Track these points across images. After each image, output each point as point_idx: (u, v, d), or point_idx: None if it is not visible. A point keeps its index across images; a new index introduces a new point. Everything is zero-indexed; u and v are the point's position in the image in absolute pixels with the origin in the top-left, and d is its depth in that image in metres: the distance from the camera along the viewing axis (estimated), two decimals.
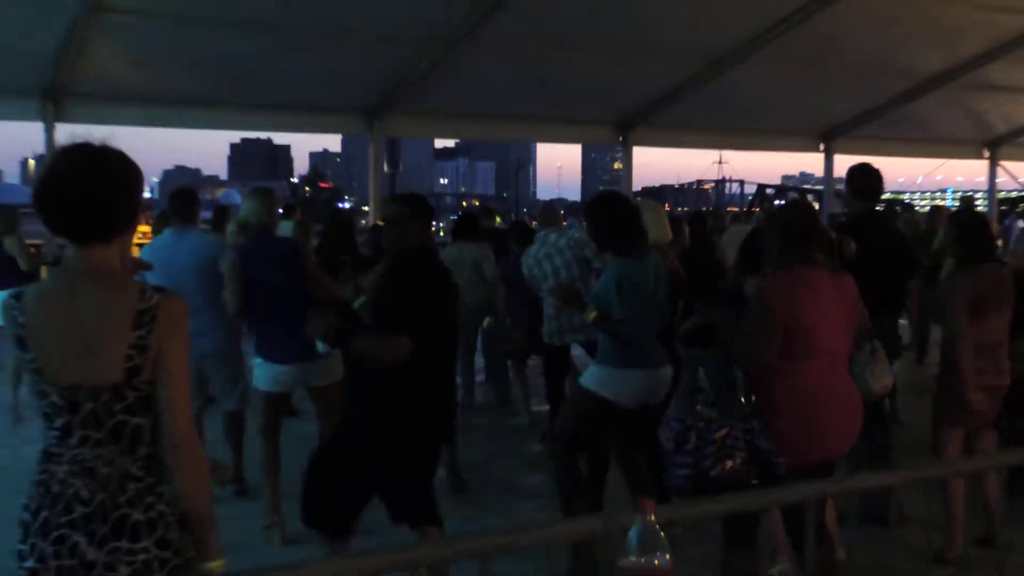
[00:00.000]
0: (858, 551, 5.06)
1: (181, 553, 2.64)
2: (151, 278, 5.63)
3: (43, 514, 2.56)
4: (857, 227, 6.01)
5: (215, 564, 2.66)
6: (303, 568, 2.10)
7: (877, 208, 6.45)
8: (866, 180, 6.20)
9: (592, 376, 5.22)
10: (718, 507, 2.62)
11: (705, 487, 4.01)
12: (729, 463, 3.95)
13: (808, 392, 4.11)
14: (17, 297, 2.60)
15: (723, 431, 4.01)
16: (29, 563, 2.56)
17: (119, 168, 2.63)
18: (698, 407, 4.31)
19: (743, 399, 4.22)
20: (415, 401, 4.48)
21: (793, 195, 45.29)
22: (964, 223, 5.70)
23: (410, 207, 4.72)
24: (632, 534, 1.95)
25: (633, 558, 1.95)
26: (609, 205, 5.39)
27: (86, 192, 2.57)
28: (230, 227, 9.40)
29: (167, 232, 6.89)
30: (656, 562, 1.94)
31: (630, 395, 5.15)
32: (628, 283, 5.07)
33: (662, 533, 1.97)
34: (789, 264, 4.22)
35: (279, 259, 6.13)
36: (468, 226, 9.39)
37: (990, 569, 3.17)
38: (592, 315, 5.09)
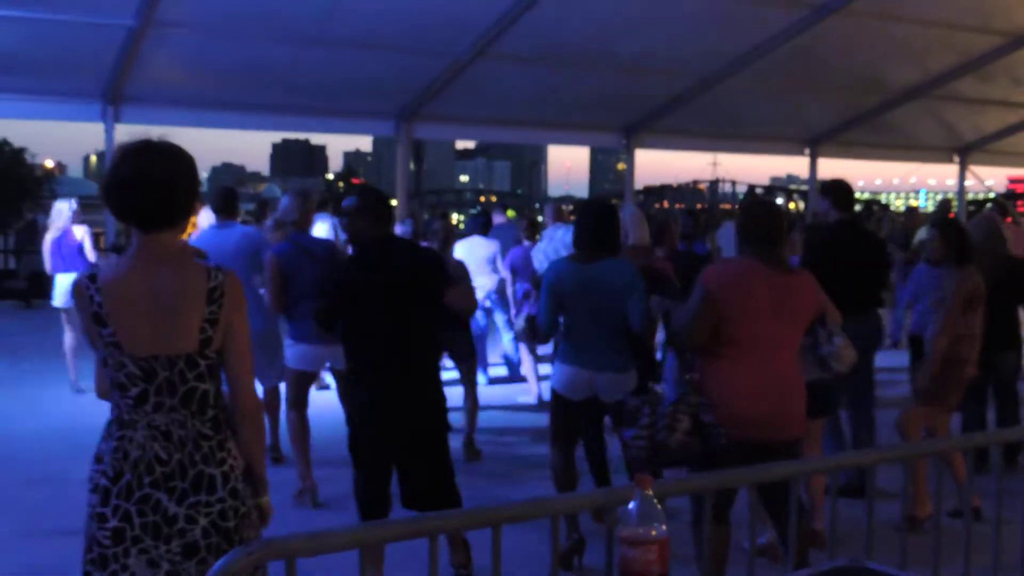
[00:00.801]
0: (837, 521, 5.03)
1: (246, 501, 2.70)
2: None
3: (125, 478, 2.56)
4: (840, 232, 6.18)
5: (266, 500, 2.83)
6: (327, 536, 2.08)
7: (853, 214, 6.60)
8: (843, 194, 6.37)
9: (552, 372, 5.17)
10: (700, 483, 2.59)
11: (659, 458, 3.96)
12: (676, 434, 3.88)
13: (734, 379, 3.97)
14: (92, 279, 2.60)
15: (670, 406, 3.96)
16: (112, 523, 2.55)
17: (180, 161, 2.65)
18: (650, 384, 4.22)
19: (686, 377, 4.14)
20: (353, 384, 4.55)
21: (779, 195, 45.15)
22: (951, 229, 5.70)
23: (358, 202, 4.59)
24: (632, 506, 1.94)
25: (632, 528, 1.93)
26: (583, 212, 5.20)
27: (154, 184, 2.59)
28: (269, 220, 9.43)
29: (209, 227, 6.89)
30: (653, 532, 1.92)
31: (570, 388, 4.96)
32: (553, 284, 4.89)
33: (659, 505, 1.95)
34: (743, 254, 4.12)
35: (314, 256, 6.11)
36: (483, 223, 9.53)
37: (959, 536, 3.15)
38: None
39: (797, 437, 4.11)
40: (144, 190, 2.59)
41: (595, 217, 5.01)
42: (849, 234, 6.23)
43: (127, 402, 2.60)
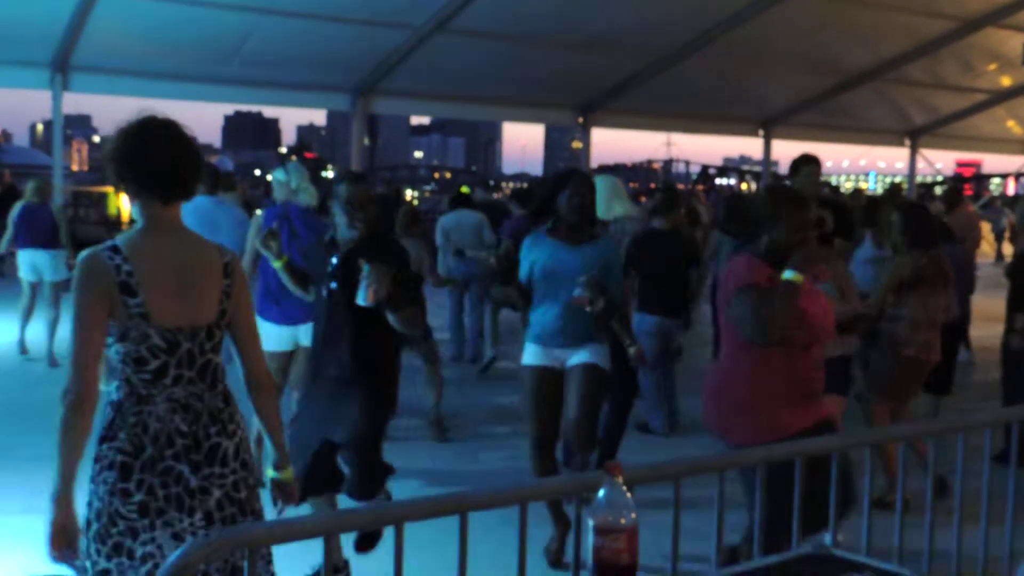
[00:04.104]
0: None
1: (255, 472, 2.75)
2: None
3: (147, 452, 2.55)
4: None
5: (288, 473, 2.91)
6: (290, 524, 2.02)
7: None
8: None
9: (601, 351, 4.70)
10: (670, 469, 2.57)
11: None
12: None
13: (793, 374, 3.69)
14: (115, 250, 2.59)
15: None
16: (138, 497, 2.54)
17: (193, 139, 2.74)
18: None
19: None
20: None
21: (733, 175, 45.53)
22: (910, 213, 5.70)
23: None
24: (600, 495, 1.90)
25: (601, 514, 1.90)
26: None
27: (190, 153, 2.68)
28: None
29: (204, 198, 6.76)
30: (623, 520, 1.89)
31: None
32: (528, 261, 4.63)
33: (628, 494, 1.92)
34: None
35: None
36: (466, 197, 10.06)
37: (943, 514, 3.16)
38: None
39: None
40: (182, 158, 2.66)
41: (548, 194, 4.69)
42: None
43: (143, 377, 2.58)
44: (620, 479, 1.91)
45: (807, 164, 6.15)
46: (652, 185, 41.04)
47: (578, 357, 4.59)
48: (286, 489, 2.90)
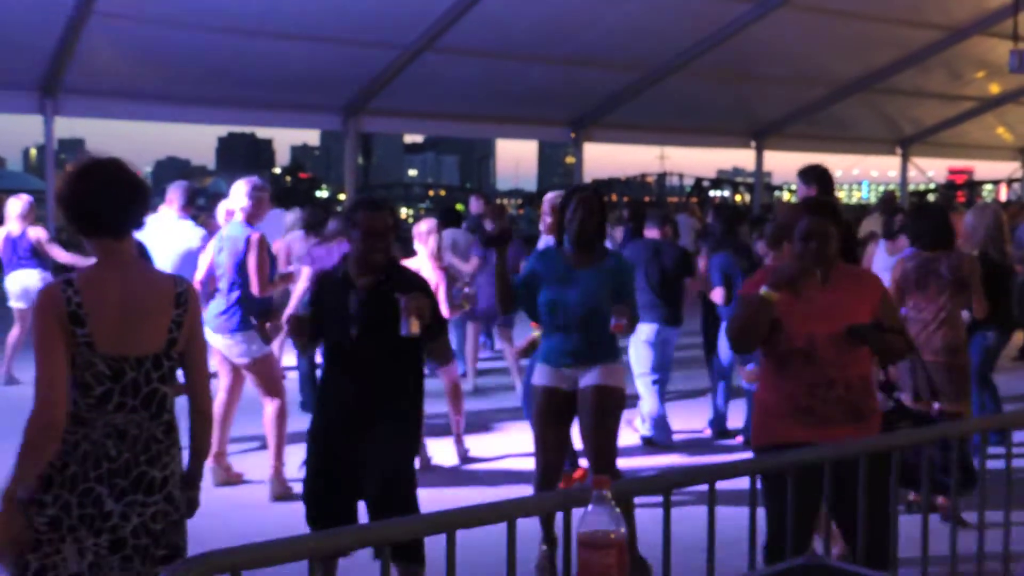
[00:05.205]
0: None
1: (179, 509, 2.79)
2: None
3: (72, 469, 2.64)
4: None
5: (197, 492, 2.99)
6: (272, 547, 1.99)
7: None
8: (829, 180, 6.13)
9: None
10: (663, 480, 2.55)
11: None
12: None
13: None
14: (68, 283, 2.70)
15: None
16: (51, 511, 2.63)
17: (135, 174, 2.84)
18: None
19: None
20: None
21: (727, 187, 45.69)
22: (920, 216, 5.80)
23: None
24: (589, 509, 1.89)
25: (590, 529, 1.89)
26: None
27: (130, 194, 2.76)
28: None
29: (166, 214, 6.77)
30: (612, 535, 1.88)
31: None
32: None
33: (616, 507, 1.90)
34: None
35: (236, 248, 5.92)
36: (458, 215, 10.06)
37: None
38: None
39: None
40: (126, 197, 2.75)
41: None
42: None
43: (88, 401, 2.67)
44: (609, 493, 1.89)
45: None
46: (646, 199, 41.13)
47: (590, 378, 4.50)
48: (192, 504, 2.92)
